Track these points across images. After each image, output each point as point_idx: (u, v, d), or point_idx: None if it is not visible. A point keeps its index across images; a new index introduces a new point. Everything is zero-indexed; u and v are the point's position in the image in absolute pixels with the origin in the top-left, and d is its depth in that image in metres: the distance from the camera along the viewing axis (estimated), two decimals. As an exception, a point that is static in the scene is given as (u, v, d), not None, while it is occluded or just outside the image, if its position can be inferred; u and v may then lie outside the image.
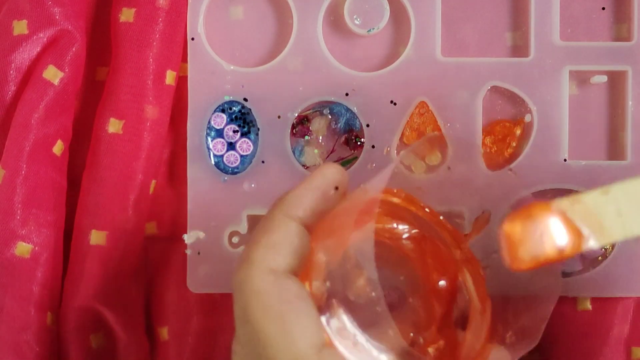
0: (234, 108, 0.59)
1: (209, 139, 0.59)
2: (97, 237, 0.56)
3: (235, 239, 0.60)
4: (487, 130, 0.59)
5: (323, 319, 0.43)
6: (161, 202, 0.61)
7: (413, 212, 0.49)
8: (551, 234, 0.39)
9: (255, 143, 0.59)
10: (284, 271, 0.43)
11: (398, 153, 0.59)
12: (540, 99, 0.58)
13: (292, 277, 0.43)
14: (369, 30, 0.58)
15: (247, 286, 0.42)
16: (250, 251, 0.43)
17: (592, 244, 0.39)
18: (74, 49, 0.56)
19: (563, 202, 0.40)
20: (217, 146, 0.59)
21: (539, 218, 0.39)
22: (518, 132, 0.59)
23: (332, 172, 0.46)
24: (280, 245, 0.43)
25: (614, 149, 0.60)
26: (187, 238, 0.59)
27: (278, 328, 0.41)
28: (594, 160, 0.59)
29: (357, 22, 0.58)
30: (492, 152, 0.59)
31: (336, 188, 0.45)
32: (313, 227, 0.45)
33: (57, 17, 0.56)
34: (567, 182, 0.58)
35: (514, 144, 0.59)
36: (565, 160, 0.58)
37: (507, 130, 0.59)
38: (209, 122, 0.59)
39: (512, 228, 0.40)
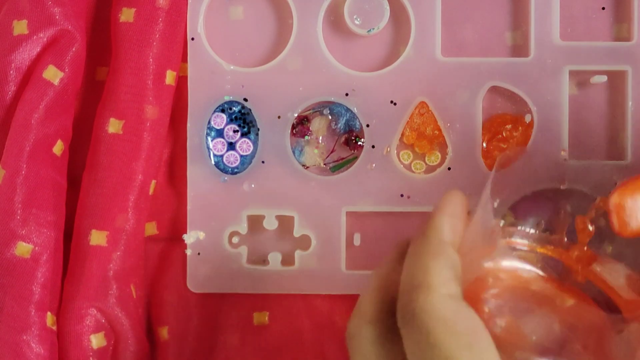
0: (234, 108, 0.59)
1: (209, 139, 0.59)
2: (97, 237, 0.56)
3: (235, 239, 0.60)
4: (487, 127, 0.59)
5: None
6: (161, 202, 0.61)
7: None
8: None
9: (255, 143, 0.59)
10: (459, 297, 0.42)
11: (398, 153, 0.59)
12: (540, 99, 0.58)
13: (469, 305, 0.42)
14: (369, 30, 0.58)
15: (431, 313, 0.41)
16: (424, 277, 0.42)
17: None
18: (74, 49, 0.56)
19: None
20: (217, 146, 0.59)
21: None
22: (518, 133, 0.59)
23: (460, 199, 0.46)
24: (448, 269, 0.43)
25: (614, 149, 0.60)
26: (187, 238, 0.59)
27: (470, 356, 0.41)
28: (594, 160, 0.59)
29: (357, 22, 0.58)
30: (492, 152, 0.59)
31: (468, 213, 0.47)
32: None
33: (57, 17, 0.56)
34: (567, 182, 0.58)
35: (514, 145, 0.59)
36: (565, 160, 0.58)
37: (508, 124, 0.59)
38: (209, 122, 0.59)
39: (622, 198, 0.44)
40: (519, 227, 0.48)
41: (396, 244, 0.47)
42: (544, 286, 0.47)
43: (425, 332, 0.41)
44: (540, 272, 0.47)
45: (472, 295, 0.44)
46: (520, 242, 0.48)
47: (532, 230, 0.48)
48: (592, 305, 0.47)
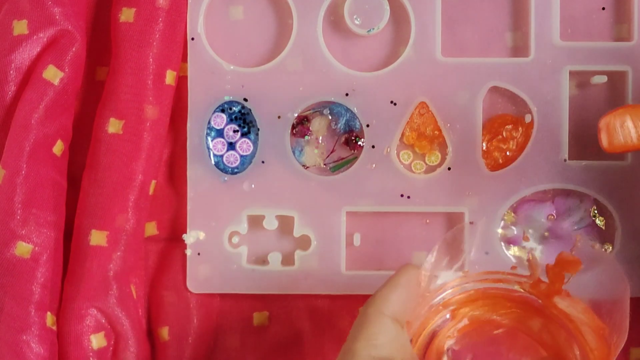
0: (234, 108, 0.59)
1: (209, 139, 0.59)
2: (97, 237, 0.56)
3: (235, 239, 0.60)
4: (487, 127, 0.59)
5: None
6: (161, 202, 0.61)
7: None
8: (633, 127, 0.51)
9: (255, 143, 0.59)
10: (386, 358, 0.47)
11: (398, 153, 0.59)
12: (540, 99, 0.58)
13: None
14: (369, 30, 0.58)
15: None
16: (351, 344, 0.47)
17: None
18: (74, 49, 0.56)
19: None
20: (217, 146, 0.59)
21: (627, 113, 0.51)
22: (518, 133, 0.59)
23: (413, 271, 0.50)
24: (377, 335, 0.47)
25: (614, 149, 0.60)
26: (187, 238, 0.59)
27: None
28: (594, 160, 0.59)
29: (357, 22, 0.58)
30: (492, 152, 0.59)
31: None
32: (405, 317, 0.49)
33: (57, 17, 0.56)
34: (567, 182, 0.58)
35: (514, 145, 0.59)
36: (565, 160, 0.58)
37: (509, 124, 0.59)
38: (209, 122, 0.59)
39: (610, 119, 0.50)
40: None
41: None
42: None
43: None
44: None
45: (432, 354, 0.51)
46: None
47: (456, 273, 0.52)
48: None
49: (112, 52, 0.58)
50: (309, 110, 0.59)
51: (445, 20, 0.59)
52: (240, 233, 0.59)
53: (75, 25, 0.56)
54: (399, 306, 0.49)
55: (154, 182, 0.59)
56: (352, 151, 0.59)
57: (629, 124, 0.50)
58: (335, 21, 0.60)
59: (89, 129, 0.59)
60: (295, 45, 0.59)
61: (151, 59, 0.57)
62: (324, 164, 0.60)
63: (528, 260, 0.52)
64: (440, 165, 0.59)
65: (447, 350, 0.51)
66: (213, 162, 0.59)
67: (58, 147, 0.57)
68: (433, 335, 0.51)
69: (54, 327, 0.56)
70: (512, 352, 0.51)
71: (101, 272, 0.56)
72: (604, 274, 0.50)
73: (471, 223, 0.58)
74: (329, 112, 0.59)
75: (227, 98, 0.59)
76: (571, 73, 0.58)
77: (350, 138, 0.59)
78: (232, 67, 0.59)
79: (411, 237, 0.60)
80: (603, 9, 0.60)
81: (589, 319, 0.50)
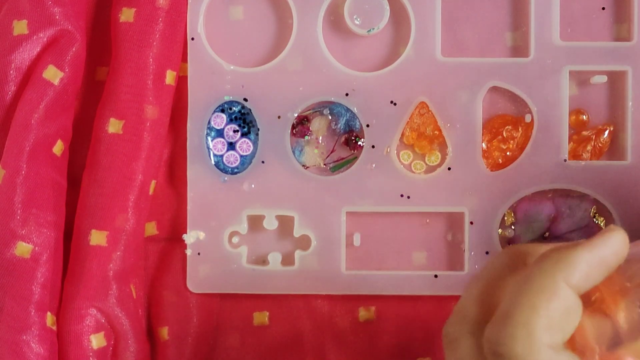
0: (234, 108, 0.59)
1: (209, 139, 0.59)
2: (97, 237, 0.56)
3: (235, 239, 0.60)
4: (487, 127, 0.59)
5: None
6: (161, 202, 0.61)
7: None
8: None
9: (255, 143, 0.59)
10: (561, 346, 0.39)
11: (398, 153, 0.59)
12: (540, 99, 0.58)
13: (568, 353, 0.39)
14: (369, 30, 0.58)
15: (526, 358, 0.38)
16: (527, 315, 0.39)
17: None
18: (74, 49, 0.56)
19: None
20: (217, 146, 0.59)
21: None
22: (518, 133, 0.59)
23: (621, 246, 0.41)
24: (556, 315, 0.39)
25: (614, 149, 0.60)
26: (187, 238, 0.59)
27: None
28: (594, 160, 0.59)
29: (357, 22, 0.58)
30: (492, 152, 0.59)
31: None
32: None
33: (57, 17, 0.56)
34: (567, 182, 0.58)
35: (514, 145, 0.59)
36: (565, 160, 0.58)
37: (509, 124, 0.59)
38: (209, 122, 0.59)
39: None
40: None
41: (508, 248, 0.44)
42: None
43: None
44: None
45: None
46: None
47: None
48: None
49: (112, 52, 0.58)
50: (309, 110, 0.59)
51: (445, 20, 0.59)
52: (240, 233, 0.59)
53: (75, 25, 0.56)
54: (588, 282, 0.40)
55: (154, 182, 0.59)
56: (352, 151, 0.59)
57: None
58: (335, 21, 0.60)
59: (89, 129, 0.59)
60: (295, 45, 0.59)
61: (151, 59, 0.57)
62: (324, 164, 0.60)
63: None
64: (440, 165, 0.59)
65: None
66: (213, 162, 0.59)
67: (58, 147, 0.57)
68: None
69: (54, 327, 0.56)
70: None
71: (101, 272, 0.56)
72: None
73: (471, 223, 0.58)
74: (329, 112, 0.59)
75: (227, 98, 0.59)
76: (571, 73, 0.58)
77: (350, 138, 0.59)
78: (232, 67, 0.59)
79: (411, 237, 0.60)
80: (603, 8, 0.60)
81: None
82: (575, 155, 0.59)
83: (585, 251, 0.40)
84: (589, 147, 0.59)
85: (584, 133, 0.59)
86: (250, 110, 0.59)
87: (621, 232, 0.41)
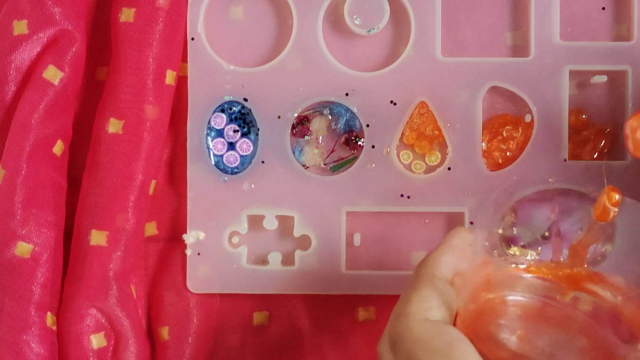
0: (234, 108, 0.59)
1: (209, 139, 0.59)
2: (97, 237, 0.56)
3: (235, 239, 0.60)
4: (487, 127, 0.59)
5: None
6: (161, 202, 0.61)
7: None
8: None
9: (255, 143, 0.59)
10: (439, 321, 0.46)
11: (398, 153, 0.59)
12: (540, 99, 0.58)
13: (449, 325, 0.46)
14: (369, 30, 0.58)
15: (409, 335, 0.45)
16: (404, 307, 0.46)
17: None
18: (74, 49, 0.56)
19: None
20: (217, 146, 0.59)
21: None
22: (518, 133, 0.59)
23: (463, 232, 0.50)
24: (430, 298, 0.46)
25: (614, 149, 0.60)
26: (187, 238, 0.59)
27: None
28: (594, 161, 0.59)
29: (357, 22, 0.58)
30: (492, 152, 0.59)
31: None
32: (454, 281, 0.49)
33: (57, 17, 0.56)
34: (567, 182, 0.58)
35: (514, 145, 0.59)
36: (565, 160, 0.58)
37: (509, 124, 0.59)
38: (209, 122, 0.59)
39: (638, 123, 0.47)
40: (511, 251, 0.51)
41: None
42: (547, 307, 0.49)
43: (407, 355, 0.44)
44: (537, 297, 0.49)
45: (481, 321, 0.47)
46: (514, 265, 0.50)
47: (529, 257, 0.51)
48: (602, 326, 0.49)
49: (112, 52, 0.58)
50: (309, 110, 0.59)
51: (445, 20, 0.59)
52: (240, 233, 0.59)
53: (75, 25, 0.57)
54: (451, 268, 0.48)
55: (154, 182, 0.59)
56: (352, 151, 0.59)
57: None
58: (335, 21, 0.60)
59: (89, 129, 0.59)
60: (295, 45, 0.59)
61: (151, 59, 0.57)
62: (324, 164, 0.60)
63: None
64: (440, 165, 0.59)
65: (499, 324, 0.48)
66: (213, 162, 0.59)
67: (58, 147, 0.57)
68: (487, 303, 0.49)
69: (54, 327, 0.56)
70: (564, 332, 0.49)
71: (101, 272, 0.56)
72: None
73: (471, 223, 0.58)
74: (329, 112, 0.59)
75: (227, 98, 0.59)
76: (571, 73, 0.58)
77: (350, 138, 0.59)
78: (232, 67, 0.59)
79: (411, 237, 0.60)
80: (603, 8, 0.60)
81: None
82: (575, 155, 0.59)
83: (440, 248, 0.49)
84: (588, 147, 0.59)
85: (584, 133, 0.59)
86: (250, 110, 0.59)
87: (460, 227, 0.51)
